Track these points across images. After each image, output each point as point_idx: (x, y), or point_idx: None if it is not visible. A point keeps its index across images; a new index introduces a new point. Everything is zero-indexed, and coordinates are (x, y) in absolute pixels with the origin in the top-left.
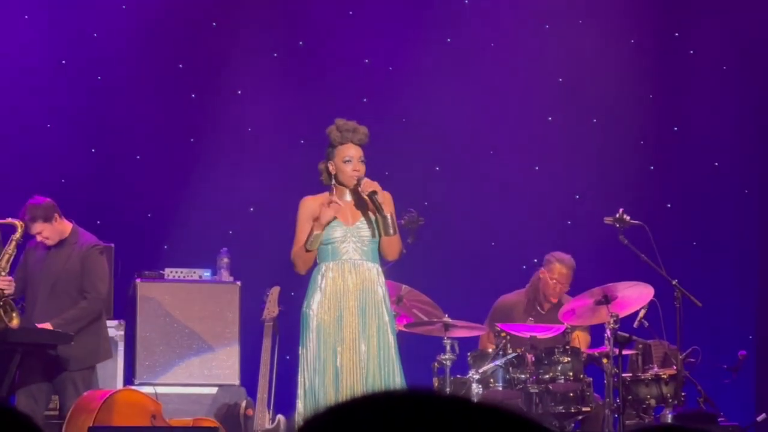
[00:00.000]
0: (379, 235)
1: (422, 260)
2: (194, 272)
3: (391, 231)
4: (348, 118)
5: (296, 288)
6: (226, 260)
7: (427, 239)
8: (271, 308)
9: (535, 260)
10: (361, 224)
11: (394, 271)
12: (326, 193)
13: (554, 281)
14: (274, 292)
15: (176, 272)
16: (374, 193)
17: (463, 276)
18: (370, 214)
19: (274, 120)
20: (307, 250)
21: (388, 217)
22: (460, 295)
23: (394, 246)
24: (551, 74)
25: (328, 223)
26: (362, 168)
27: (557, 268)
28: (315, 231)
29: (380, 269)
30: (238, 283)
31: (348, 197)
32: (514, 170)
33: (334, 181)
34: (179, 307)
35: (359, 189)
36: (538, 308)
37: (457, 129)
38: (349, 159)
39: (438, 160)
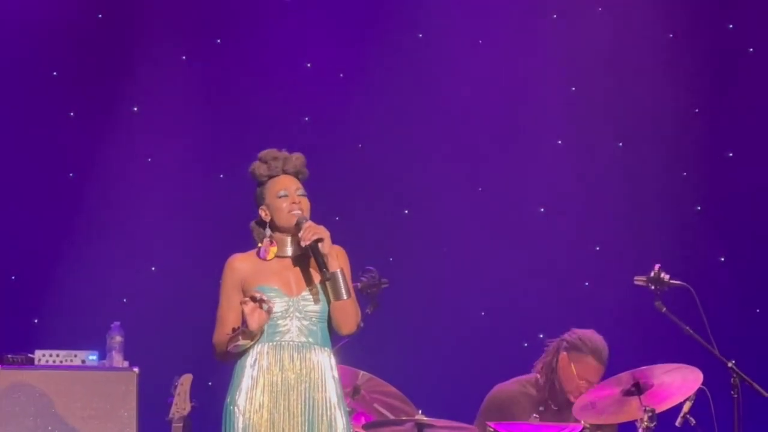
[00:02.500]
0: (329, 302)
1: (386, 337)
2: (75, 355)
3: (343, 293)
4: (284, 142)
5: (215, 376)
6: (118, 339)
7: (392, 308)
8: (181, 404)
9: (541, 335)
10: (309, 294)
11: (347, 351)
12: (252, 252)
13: (581, 378)
14: (186, 381)
15: (51, 356)
16: (319, 240)
17: (443, 358)
18: (323, 273)
19: (183, 147)
20: (229, 351)
21: (338, 273)
22: (438, 383)
23: (348, 313)
24: (561, 82)
25: (260, 331)
26: (304, 202)
27: (588, 362)
28: (241, 340)
29: (333, 356)
30: (136, 369)
31: (290, 249)
32: (511, 214)
33: (269, 231)
34: (55, 403)
35: (300, 236)
36: (551, 404)
37: (433, 158)
38: (284, 192)
39: (407, 201)
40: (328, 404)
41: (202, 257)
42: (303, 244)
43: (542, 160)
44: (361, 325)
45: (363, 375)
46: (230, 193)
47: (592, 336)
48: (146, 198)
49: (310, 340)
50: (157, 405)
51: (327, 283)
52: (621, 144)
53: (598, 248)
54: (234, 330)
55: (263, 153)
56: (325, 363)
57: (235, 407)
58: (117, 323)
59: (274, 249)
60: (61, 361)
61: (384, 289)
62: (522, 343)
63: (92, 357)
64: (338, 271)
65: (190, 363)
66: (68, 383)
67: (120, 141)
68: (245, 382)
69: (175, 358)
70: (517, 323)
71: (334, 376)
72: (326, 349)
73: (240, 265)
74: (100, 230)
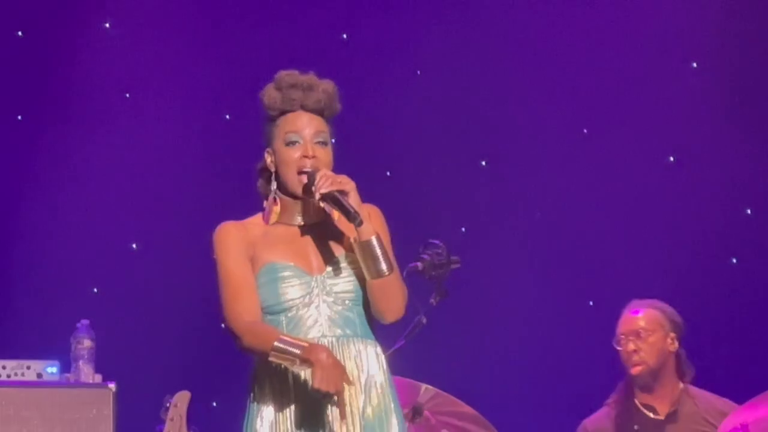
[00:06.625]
0: (364, 280)
1: (456, 337)
2: (28, 367)
3: (383, 267)
4: (313, 68)
5: (222, 393)
6: (87, 343)
7: (465, 297)
8: (175, 430)
9: (672, 334)
10: (336, 269)
11: (403, 358)
12: (255, 218)
13: (623, 338)
14: (181, 401)
15: None
16: (341, 193)
17: (535, 366)
18: (352, 243)
19: (174, 77)
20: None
21: (374, 241)
22: (528, 401)
23: (392, 293)
24: None
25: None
26: (323, 155)
27: (622, 318)
28: (298, 364)
29: (380, 350)
30: (112, 385)
31: (299, 217)
32: (629, 164)
33: (275, 187)
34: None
35: (314, 188)
36: (645, 411)
37: (520, 87)
38: (295, 137)
39: (484, 148)
40: (378, 415)
41: (201, 230)
42: (317, 195)
43: (673, 86)
44: (424, 321)
45: (426, 390)
46: (239, 140)
47: None
48: (123, 149)
49: (347, 331)
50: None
51: (359, 256)
52: None
53: (749, 211)
54: (290, 342)
55: (281, 75)
56: (370, 359)
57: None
58: (85, 322)
59: (277, 209)
60: (8, 376)
61: (455, 270)
62: None
63: (51, 369)
64: (373, 238)
65: (186, 376)
66: (18, 405)
67: (86, 70)
68: (267, 401)
69: (166, 369)
70: None
71: (386, 379)
72: (370, 340)
73: (237, 230)
74: (58, 193)
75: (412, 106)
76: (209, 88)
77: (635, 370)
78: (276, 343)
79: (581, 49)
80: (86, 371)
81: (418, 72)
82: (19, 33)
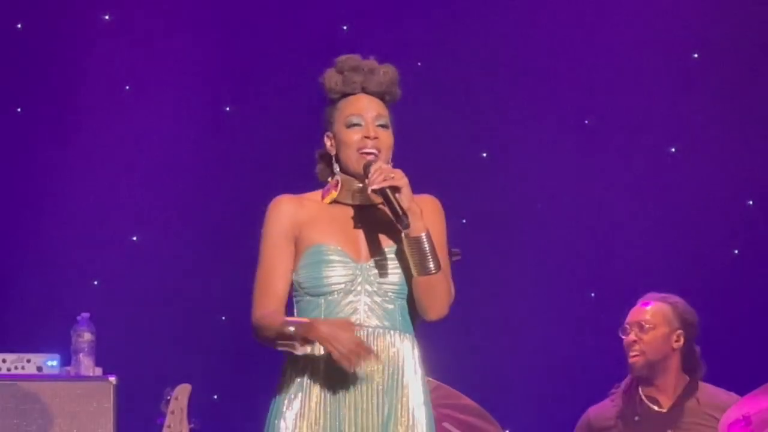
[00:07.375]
0: (411, 274)
1: (458, 329)
2: (28, 360)
3: (431, 265)
4: (314, 60)
5: (224, 386)
6: (88, 336)
7: (466, 289)
8: (177, 425)
9: (680, 331)
10: (382, 260)
11: None
12: (314, 194)
13: (627, 327)
14: (182, 394)
15: None
16: (393, 190)
17: (536, 358)
18: (402, 237)
19: (174, 69)
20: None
21: (423, 238)
22: (530, 394)
23: (437, 292)
24: None
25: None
26: (384, 137)
27: (633, 309)
28: (299, 348)
29: (417, 346)
30: (112, 378)
31: (356, 196)
32: (633, 155)
33: (338, 169)
34: (2, 425)
35: (366, 181)
36: (648, 403)
37: (521, 79)
38: (356, 120)
39: (485, 139)
40: (409, 411)
41: (203, 222)
42: (370, 190)
43: (674, 77)
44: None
45: (428, 383)
46: (239, 132)
47: None
48: (123, 141)
49: (386, 323)
50: (142, 427)
51: (407, 252)
52: None
53: (751, 203)
54: (287, 323)
55: (342, 59)
56: (406, 353)
57: (281, 420)
58: (85, 315)
59: (333, 194)
60: (8, 369)
61: (455, 262)
62: None
63: (52, 362)
64: (423, 235)
65: (188, 369)
66: (19, 398)
67: (86, 62)
68: (295, 393)
69: (167, 362)
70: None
71: (418, 373)
72: (407, 335)
73: (289, 207)
74: (59, 185)
75: (413, 97)
76: (209, 79)
77: (632, 360)
78: (278, 346)
79: (582, 39)
80: (86, 364)
81: (419, 63)
82: (19, 25)
